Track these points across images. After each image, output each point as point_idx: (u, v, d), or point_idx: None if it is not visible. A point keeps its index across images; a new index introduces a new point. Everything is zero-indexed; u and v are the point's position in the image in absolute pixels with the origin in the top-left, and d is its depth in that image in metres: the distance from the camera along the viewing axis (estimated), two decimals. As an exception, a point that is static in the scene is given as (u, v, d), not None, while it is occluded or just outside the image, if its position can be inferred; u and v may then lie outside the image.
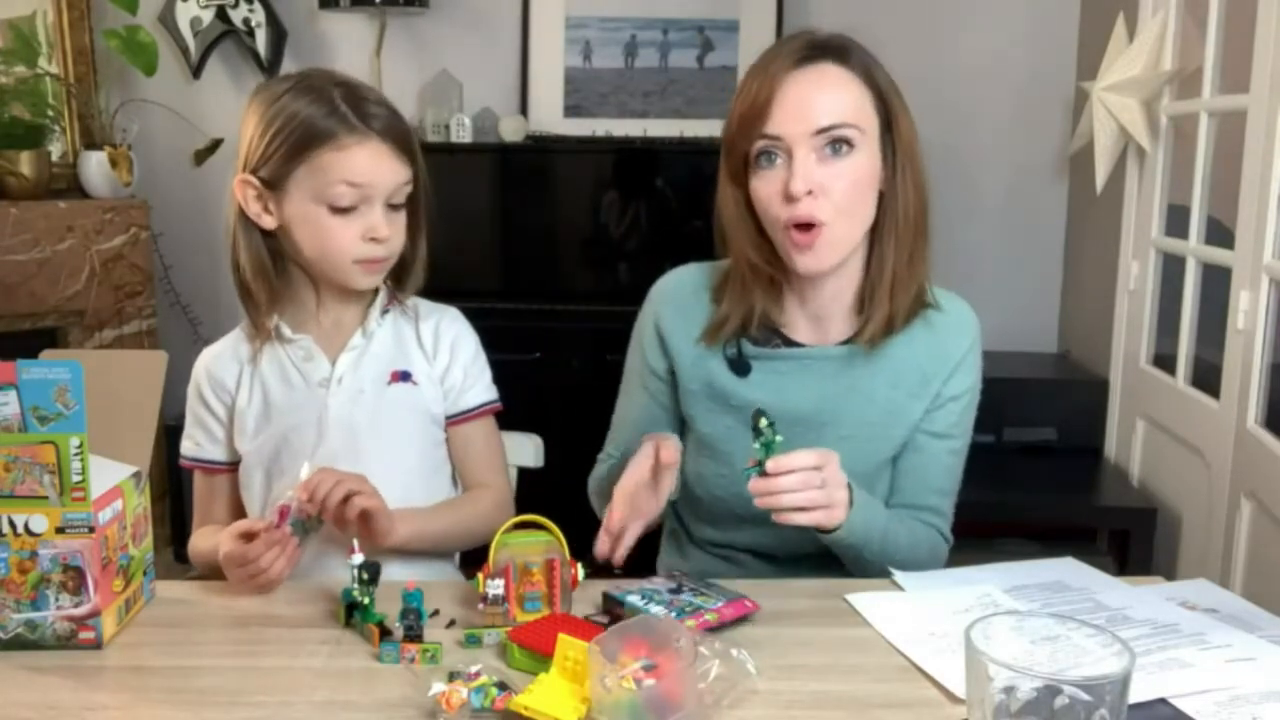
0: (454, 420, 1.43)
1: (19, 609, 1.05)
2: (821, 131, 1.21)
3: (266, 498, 1.38)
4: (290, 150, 1.27)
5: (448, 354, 1.42)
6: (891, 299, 1.30)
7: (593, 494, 1.46)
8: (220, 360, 1.40)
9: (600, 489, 1.42)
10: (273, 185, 1.29)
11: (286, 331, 1.37)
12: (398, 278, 1.40)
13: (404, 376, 1.39)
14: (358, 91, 1.30)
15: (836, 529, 1.21)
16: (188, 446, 1.42)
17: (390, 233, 1.30)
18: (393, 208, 1.31)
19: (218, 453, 1.41)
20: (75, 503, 1.03)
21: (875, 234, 1.29)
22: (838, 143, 1.22)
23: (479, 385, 1.44)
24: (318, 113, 1.26)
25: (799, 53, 1.24)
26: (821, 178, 1.22)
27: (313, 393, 1.36)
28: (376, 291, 1.40)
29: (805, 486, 1.14)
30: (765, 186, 1.25)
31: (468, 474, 1.45)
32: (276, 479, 1.37)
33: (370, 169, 1.27)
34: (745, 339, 1.35)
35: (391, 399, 1.38)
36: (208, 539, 1.35)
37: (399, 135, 1.30)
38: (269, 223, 1.32)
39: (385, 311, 1.40)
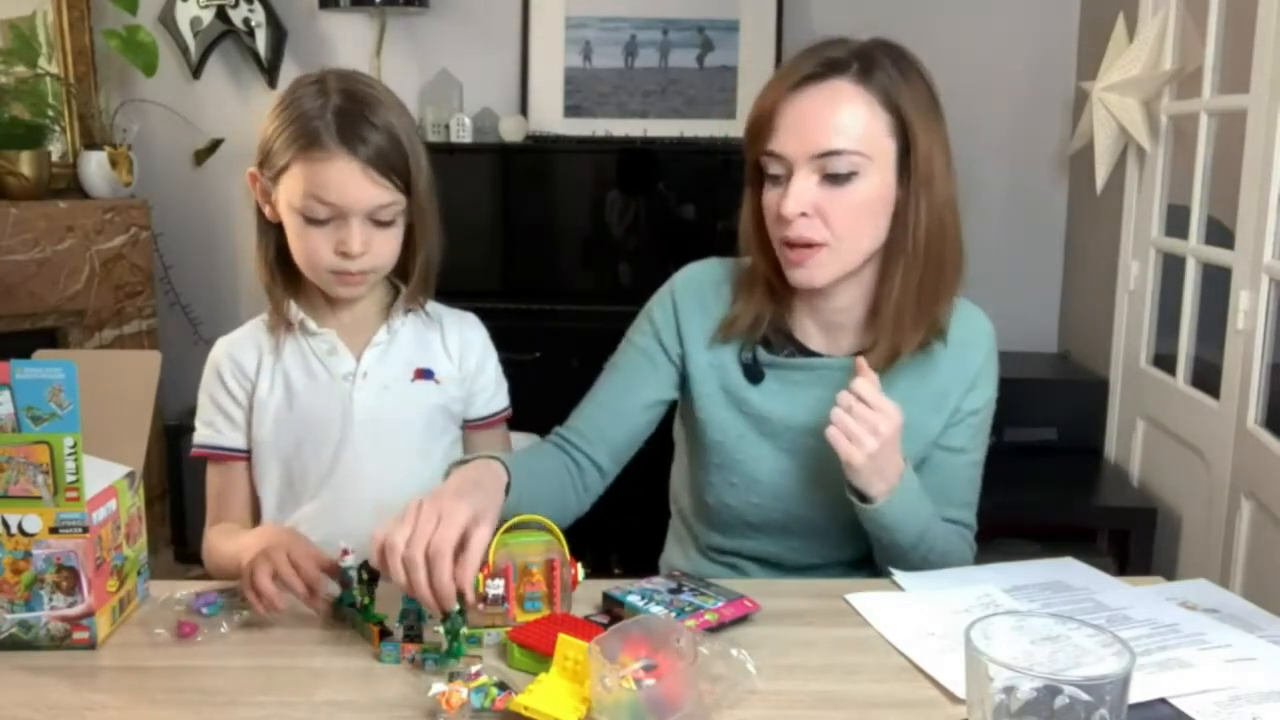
0: (480, 424, 1.46)
1: (13, 609, 1.05)
2: (823, 155, 1.18)
3: (285, 492, 1.38)
4: (278, 151, 1.26)
5: (475, 360, 1.43)
6: (896, 328, 1.26)
7: None
8: (241, 346, 1.39)
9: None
10: (270, 181, 1.29)
11: (310, 325, 1.36)
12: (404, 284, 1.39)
13: (427, 374, 1.39)
14: (358, 106, 1.25)
15: (874, 502, 1.21)
16: (205, 435, 1.39)
17: (365, 249, 1.27)
18: (379, 224, 1.28)
19: (238, 439, 1.38)
20: (69, 503, 1.03)
21: (887, 254, 1.26)
22: (839, 169, 1.19)
23: (502, 392, 1.48)
24: (306, 118, 1.24)
25: (812, 68, 1.20)
26: (820, 200, 1.19)
27: (337, 386, 1.36)
28: (397, 290, 1.40)
29: (847, 408, 1.18)
30: (768, 200, 1.24)
31: None
32: (297, 474, 1.37)
33: (338, 188, 1.24)
34: (760, 346, 1.33)
35: (415, 395, 1.38)
36: (226, 540, 1.31)
37: (387, 159, 1.25)
38: (271, 215, 1.32)
39: (407, 311, 1.40)
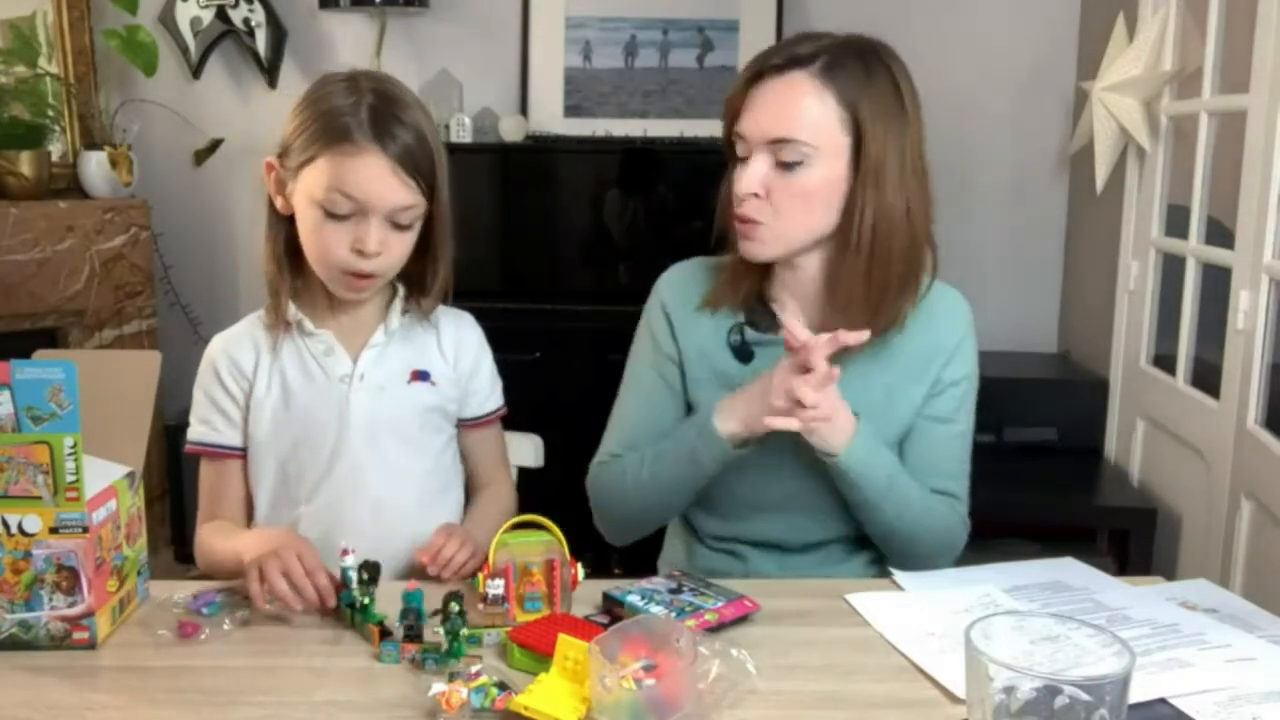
0: (475, 423, 1.46)
1: (13, 609, 1.05)
2: (774, 142, 1.25)
3: (280, 491, 1.38)
4: (304, 144, 1.26)
5: (470, 360, 1.44)
6: (844, 312, 1.29)
7: (600, 490, 1.43)
8: (238, 343, 1.38)
9: (623, 479, 1.39)
10: (289, 172, 1.28)
11: (308, 325, 1.36)
12: (416, 291, 1.39)
13: (423, 376, 1.39)
14: (390, 106, 1.26)
15: (835, 455, 1.25)
16: (200, 432, 1.38)
17: (381, 250, 1.26)
18: (397, 227, 1.28)
19: (233, 437, 1.38)
20: (69, 503, 1.03)
21: (837, 241, 1.30)
22: (788, 156, 1.25)
23: (496, 391, 1.48)
24: (337, 113, 1.24)
25: (778, 59, 1.26)
26: (771, 183, 1.26)
27: (334, 388, 1.36)
28: (395, 290, 1.39)
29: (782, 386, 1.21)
30: (733, 178, 1.29)
31: (481, 472, 1.49)
32: (293, 474, 1.37)
33: (366, 184, 1.24)
34: (748, 326, 1.37)
35: (412, 397, 1.38)
36: (222, 538, 1.32)
37: (415, 160, 1.26)
38: (282, 206, 1.31)
39: (404, 312, 1.40)
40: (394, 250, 1.29)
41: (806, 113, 1.24)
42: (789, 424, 1.20)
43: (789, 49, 1.27)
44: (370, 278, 1.30)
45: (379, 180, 1.24)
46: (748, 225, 1.28)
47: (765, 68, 1.27)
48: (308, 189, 1.26)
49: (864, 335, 1.21)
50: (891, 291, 1.30)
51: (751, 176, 1.26)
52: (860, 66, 1.26)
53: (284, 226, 1.33)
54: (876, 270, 1.28)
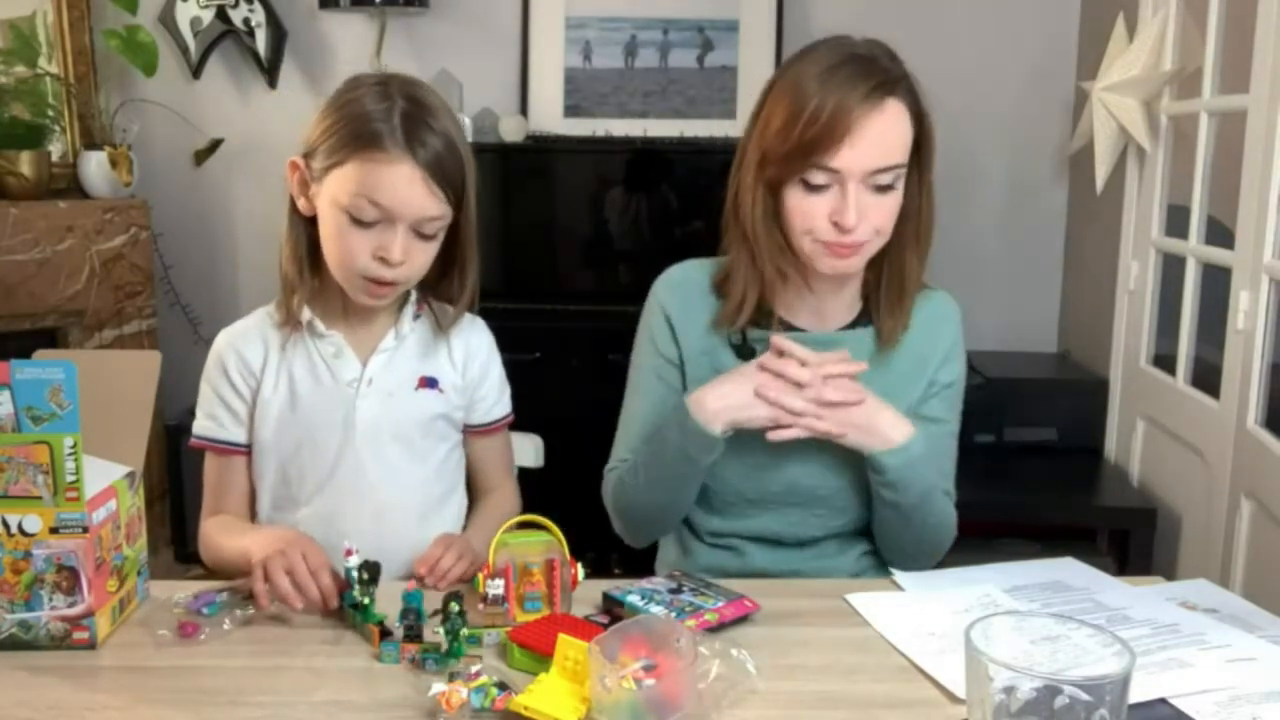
0: (481, 430, 1.46)
1: (13, 609, 1.05)
2: (877, 171, 1.24)
3: (281, 492, 1.37)
4: (332, 146, 1.24)
5: (479, 368, 1.43)
6: (904, 301, 1.36)
7: (611, 497, 1.43)
8: (246, 339, 1.37)
9: (628, 485, 1.39)
10: (314, 174, 1.27)
11: (319, 326, 1.35)
12: (443, 300, 1.39)
13: (431, 383, 1.39)
14: (422, 113, 1.25)
15: (884, 454, 1.28)
16: (206, 427, 1.37)
17: (405, 259, 1.25)
18: (421, 236, 1.27)
19: (239, 434, 1.37)
20: (69, 503, 1.03)
21: (894, 241, 1.33)
22: (885, 180, 1.25)
23: (505, 397, 1.48)
24: (368, 118, 1.23)
25: (871, 87, 1.22)
26: (867, 206, 1.25)
27: (341, 392, 1.35)
28: (408, 295, 1.39)
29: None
30: (811, 207, 1.26)
31: (486, 478, 1.49)
32: (294, 476, 1.37)
33: (394, 192, 1.22)
34: (750, 325, 1.37)
35: (419, 403, 1.38)
36: (229, 535, 1.31)
37: (444, 170, 1.25)
38: (305, 207, 1.30)
39: (416, 316, 1.40)
40: (416, 259, 1.28)
41: (904, 136, 1.25)
42: (788, 434, 1.26)
43: (877, 79, 1.22)
44: (391, 285, 1.29)
45: (408, 189, 1.23)
46: (849, 248, 1.27)
47: (861, 101, 1.21)
48: (333, 193, 1.25)
49: (862, 366, 1.29)
50: (917, 279, 1.36)
51: (862, 206, 1.24)
52: (906, 69, 1.27)
53: (305, 227, 1.31)
54: (916, 262, 1.35)
